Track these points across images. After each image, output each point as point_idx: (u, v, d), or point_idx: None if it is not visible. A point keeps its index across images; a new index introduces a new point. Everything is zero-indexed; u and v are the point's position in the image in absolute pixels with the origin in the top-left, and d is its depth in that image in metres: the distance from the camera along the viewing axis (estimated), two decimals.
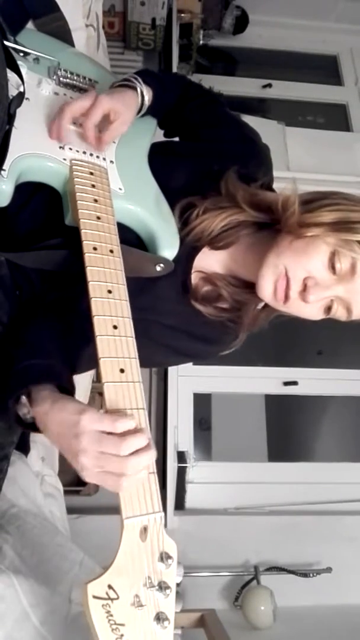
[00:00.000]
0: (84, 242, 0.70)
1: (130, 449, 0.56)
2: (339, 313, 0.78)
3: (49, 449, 1.24)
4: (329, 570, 1.83)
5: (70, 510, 1.23)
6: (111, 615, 0.49)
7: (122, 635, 0.49)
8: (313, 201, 0.79)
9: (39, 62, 0.86)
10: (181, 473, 1.97)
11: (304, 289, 0.75)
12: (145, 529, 0.55)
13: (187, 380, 2.10)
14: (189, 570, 1.70)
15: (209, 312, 0.85)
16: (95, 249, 0.70)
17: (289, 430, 2.34)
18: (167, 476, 1.85)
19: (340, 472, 2.11)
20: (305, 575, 1.82)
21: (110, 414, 0.58)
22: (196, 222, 0.83)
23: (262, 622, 1.69)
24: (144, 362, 0.64)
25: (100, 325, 0.63)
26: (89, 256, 0.68)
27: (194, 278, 0.86)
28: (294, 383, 2.18)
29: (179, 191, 0.85)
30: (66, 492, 1.25)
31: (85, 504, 1.85)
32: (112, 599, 0.50)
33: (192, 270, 0.85)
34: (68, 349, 0.75)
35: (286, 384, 2.18)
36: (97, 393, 1.92)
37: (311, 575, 1.82)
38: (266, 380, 2.21)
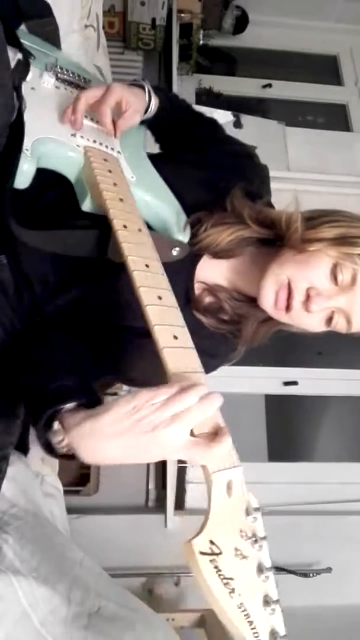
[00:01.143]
0: (114, 221, 0.69)
1: (198, 393, 0.54)
2: (340, 324, 0.80)
3: None
4: (329, 570, 1.83)
5: (70, 510, 1.24)
6: (220, 570, 0.48)
7: (233, 589, 0.48)
8: (314, 218, 0.82)
9: (35, 58, 0.86)
10: (181, 473, 1.97)
11: (307, 299, 0.77)
12: (230, 483, 0.54)
13: None
14: (189, 570, 1.69)
15: (211, 323, 0.85)
16: (125, 226, 0.70)
17: (289, 430, 2.34)
18: (167, 476, 1.85)
19: (340, 472, 2.11)
20: (305, 575, 1.81)
21: (178, 381, 0.56)
22: (202, 236, 0.84)
23: None
24: (146, 381, 0.62)
25: (147, 295, 0.62)
26: (122, 233, 0.68)
27: (197, 289, 0.86)
28: (294, 383, 2.18)
29: (181, 199, 0.86)
30: (66, 492, 1.25)
31: (85, 504, 1.85)
32: (217, 554, 0.49)
33: (195, 281, 0.86)
34: (87, 369, 0.74)
35: (286, 384, 2.18)
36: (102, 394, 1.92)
37: (311, 575, 1.82)
38: (266, 380, 2.21)
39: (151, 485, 2.02)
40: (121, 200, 0.74)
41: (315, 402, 2.28)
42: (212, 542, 0.49)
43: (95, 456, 0.59)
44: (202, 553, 0.48)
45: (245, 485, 0.55)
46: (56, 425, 0.62)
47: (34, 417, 0.64)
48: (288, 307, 0.78)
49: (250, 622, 0.48)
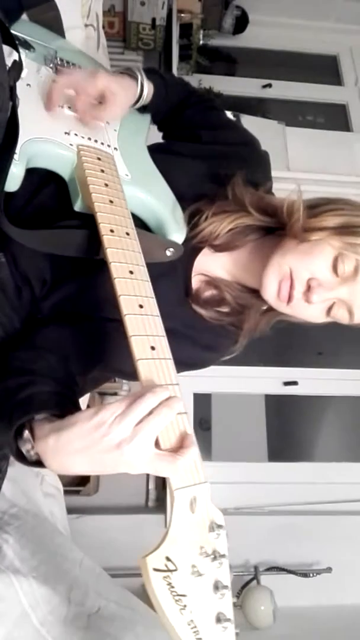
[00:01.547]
0: (101, 225, 0.69)
1: (158, 399, 0.53)
2: (340, 315, 0.79)
3: None
4: (329, 570, 1.83)
5: (70, 510, 1.23)
6: (172, 587, 0.49)
7: (185, 606, 0.49)
8: (317, 206, 0.81)
9: (35, 51, 0.85)
10: None
11: (308, 289, 0.76)
12: (194, 499, 0.54)
13: (187, 380, 2.08)
14: None
15: (211, 316, 0.84)
16: (112, 231, 0.69)
17: (289, 430, 2.34)
18: None
19: (340, 472, 2.11)
20: (305, 575, 1.82)
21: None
22: (203, 225, 0.83)
23: (262, 622, 1.69)
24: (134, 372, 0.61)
25: (127, 304, 0.62)
26: (107, 238, 0.68)
27: (196, 282, 0.85)
28: (294, 383, 2.18)
29: (180, 192, 0.85)
30: (66, 492, 1.25)
31: (85, 504, 1.85)
32: (171, 571, 0.49)
33: (194, 273, 0.85)
34: (72, 370, 0.73)
35: (286, 384, 2.18)
36: (97, 393, 1.92)
37: (311, 575, 1.82)
38: (266, 380, 2.21)
39: (151, 485, 2.02)
40: (111, 202, 0.73)
41: (315, 402, 2.28)
42: (168, 559, 0.49)
43: (62, 469, 0.58)
44: (155, 570, 0.48)
45: (210, 502, 0.55)
46: (26, 433, 0.61)
47: (4, 422, 0.62)
48: (290, 298, 0.77)
49: (199, 639, 0.49)
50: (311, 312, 0.79)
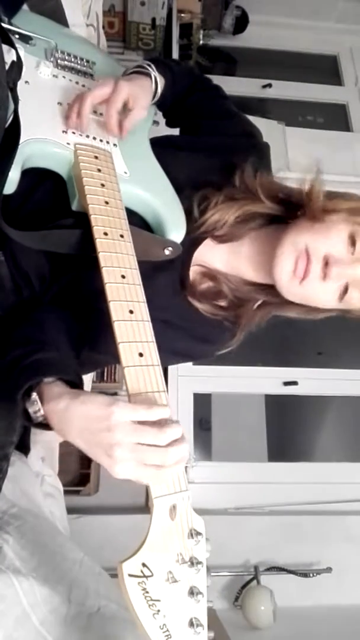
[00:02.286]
0: (95, 228, 0.69)
1: (169, 438, 0.55)
2: (355, 298, 0.79)
3: (49, 449, 1.24)
4: (329, 570, 1.83)
5: (70, 510, 1.23)
6: (147, 592, 0.51)
7: (158, 610, 0.51)
8: (332, 193, 0.83)
9: (35, 45, 0.85)
10: None
11: (326, 265, 0.76)
12: (174, 507, 0.56)
13: (187, 380, 2.10)
14: None
15: (206, 309, 0.84)
16: (105, 234, 0.69)
17: (289, 430, 2.34)
18: None
19: (340, 472, 2.11)
20: (305, 575, 1.82)
21: (141, 402, 0.58)
22: (210, 212, 0.83)
23: (262, 622, 1.69)
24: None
25: (117, 310, 0.63)
26: (100, 241, 0.68)
27: (193, 273, 0.85)
28: (294, 383, 2.18)
29: (179, 185, 0.85)
30: (66, 492, 1.24)
31: (85, 504, 1.85)
32: (147, 576, 0.51)
33: (192, 264, 0.85)
34: (74, 345, 0.74)
35: (286, 384, 2.18)
36: (97, 392, 1.92)
37: (311, 575, 1.82)
38: (266, 380, 2.21)
39: None
40: (107, 203, 0.73)
41: (315, 402, 2.28)
42: (144, 565, 0.52)
43: (61, 433, 0.61)
44: (130, 575, 0.50)
45: (191, 509, 0.57)
46: (34, 395, 0.63)
47: (12, 387, 0.64)
48: (305, 275, 0.77)
49: None
50: (323, 293, 0.79)
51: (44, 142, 0.75)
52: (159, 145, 0.90)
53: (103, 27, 1.48)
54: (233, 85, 2.69)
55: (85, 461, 1.96)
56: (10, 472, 0.92)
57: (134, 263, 0.68)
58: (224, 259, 0.86)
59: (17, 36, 0.83)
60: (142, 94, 0.84)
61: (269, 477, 2.06)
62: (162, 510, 0.55)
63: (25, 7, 0.92)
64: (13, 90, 0.73)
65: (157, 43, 2.54)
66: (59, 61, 0.86)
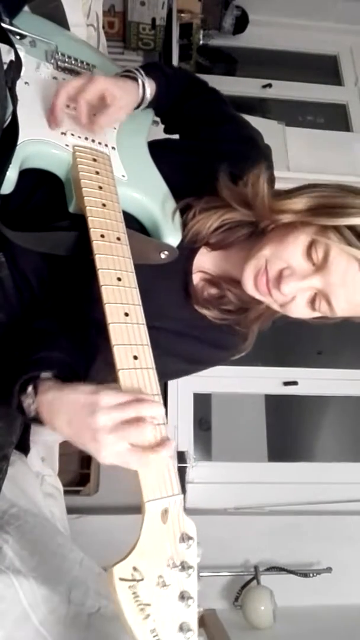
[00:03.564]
0: (91, 230, 0.69)
1: (151, 411, 0.56)
2: (322, 308, 0.75)
3: (49, 449, 1.24)
4: (329, 570, 1.83)
5: (70, 510, 1.24)
6: (137, 596, 0.51)
7: (148, 615, 0.51)
8: (294, 190, 0.77)
9: (36, 46, 0.85)
10: (181, 473, 1.97)
11: (280, 280, 0.73)
12: (166, 511, 0.56)
13: (187, 380, 2.09)
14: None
15: (214, 315, 0.84)
16: (102, 236, 0.69)
17: (289, 430, 2.33)
18: None
19: (340, 472, 2.11)
20: (305, 575, 1.82)
21: (128, 391, 0.58)
22: (192, 222, 0.82)
23: (262, 622, 1.69)
24: (159, 376, 0.62)
25: (112, 312, 0.63)
26: (97, 244, 0.68)
27: (196, 281, 0.85)
28: (294, 383, 2.18)
29: (174, 189, 0.85)
30: (66, 492, 1.25)
31: (85, 504, 1.85)
32: (137, 580, 0.51)
33: (194, 271, 0.85)
34: (81, 356, 0.74)
35: (286, 384, 2.18)
36: None
37: (311, 575, 1.82)
38: (266, 380, 2.21)
39: None
40: (104, 205, 0.73)
41: (315, 402, 2.28)
42: (135, 569, 0.51)
43: (51, 425, 0.62)
44: (121, 579, 0.51)
45: (183, 513, 0.57)
46: (29, 389, 0.64)
47: (10, 381, 0.65)
48: (268, 290, 0.75)
49: None
50: (294, 306, 0.76)
51: (42, 143, 0.75)
52: (157, 148, 0.89)
53: (103, 27, 1.48)
54: (233, 85, 2.70)
55: (85, 461, 1.97)
56: (10, 472, 0.92)
57: (130, 266, 0.69)
58: (220, 265, 0.86)
59: (17, 37, 0.84)
60: (122, 94, 0.82)
61: (269, 477, 2.06)
62: (153, 514, 0.55)
63: (26, 8, 0.92)
64: (12, 89, 0.73)
65: (157, 43, 2.54)
66: (59, 63, 0.86)
